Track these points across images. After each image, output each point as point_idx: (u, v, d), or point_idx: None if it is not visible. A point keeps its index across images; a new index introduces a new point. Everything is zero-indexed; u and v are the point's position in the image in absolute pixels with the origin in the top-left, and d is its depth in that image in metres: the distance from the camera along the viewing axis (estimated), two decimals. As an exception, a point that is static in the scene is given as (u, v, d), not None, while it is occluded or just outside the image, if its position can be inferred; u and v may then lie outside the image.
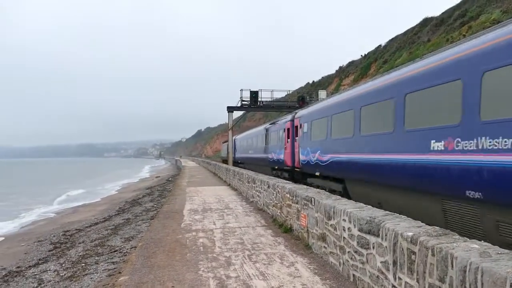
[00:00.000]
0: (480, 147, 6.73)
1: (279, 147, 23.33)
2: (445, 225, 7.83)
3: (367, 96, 11.67)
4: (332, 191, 13.00)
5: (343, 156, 13.28)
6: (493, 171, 6.47)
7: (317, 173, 16.24)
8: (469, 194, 7.00)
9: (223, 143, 72.58)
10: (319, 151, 15.86)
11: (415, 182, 8.83)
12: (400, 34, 57.85)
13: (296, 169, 19.98)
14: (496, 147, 6.37)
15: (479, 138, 6.77)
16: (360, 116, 11.99)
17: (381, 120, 10.68)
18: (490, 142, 6.52)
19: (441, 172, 7.78)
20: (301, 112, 20.05)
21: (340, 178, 13.90)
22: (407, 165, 9.11)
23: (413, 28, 53.72)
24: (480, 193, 6.79)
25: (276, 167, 24.28)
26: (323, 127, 15.51)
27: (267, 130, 27.99)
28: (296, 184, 11.87)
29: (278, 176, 20.83)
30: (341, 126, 13.66)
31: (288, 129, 21.37)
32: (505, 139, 6.21)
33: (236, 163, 40.26)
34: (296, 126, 20.05)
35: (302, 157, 18.47)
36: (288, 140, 21.25)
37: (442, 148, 7.77)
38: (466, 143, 7.09)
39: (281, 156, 22.67)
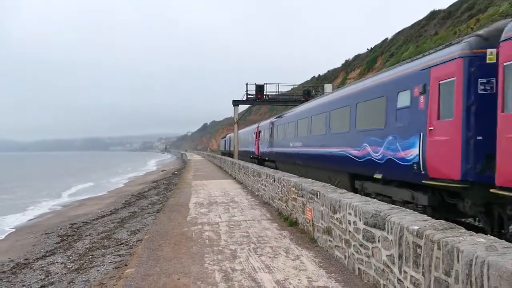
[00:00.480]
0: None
1: (252, 143, 36.56)
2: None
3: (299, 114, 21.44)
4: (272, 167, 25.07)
5: (276, 149, 26.26)
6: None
7: (266, 158, 29.82)
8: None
9: (222, 138, 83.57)
10: (266, 146, 29.80)
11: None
12: (407, 27, 57.43)
13: (258, 157, 33.35)
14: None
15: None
16: (286, 128, 23.61)
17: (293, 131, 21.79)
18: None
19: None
20: (261, 123, 34.33)
21: (273, 160, 27.60)
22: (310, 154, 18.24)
23: (420, 21, 53.29)
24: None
25: (251, 156, 36.50)
26: (270, 133, 28.82)
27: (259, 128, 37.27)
28: (301, 178, 11.88)
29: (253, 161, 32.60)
30: (280, 132, 25.42)
31: (255, 133, 34.79)
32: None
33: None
34: (260, 132, 33.36)
35: (261, 150, 32.23)
36: (256, 139, 34.38)
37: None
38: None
39: (252, 149, 36.20)
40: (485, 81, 7.77)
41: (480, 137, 7.72)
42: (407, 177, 9.82)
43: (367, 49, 69.06)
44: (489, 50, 7.75)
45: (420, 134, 9.17)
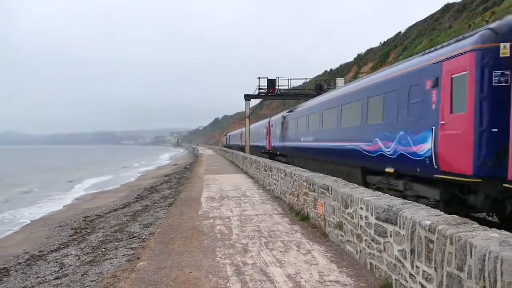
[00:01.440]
0: None
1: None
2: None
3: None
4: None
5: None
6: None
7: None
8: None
9: (224, 135, 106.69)
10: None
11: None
12: (421, 21, 56.81)
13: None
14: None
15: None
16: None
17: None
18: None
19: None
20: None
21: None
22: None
23: (434, 14, 52.66)
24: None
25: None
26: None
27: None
28: (313, 172, 11.87)
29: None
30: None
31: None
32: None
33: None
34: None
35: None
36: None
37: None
38: None
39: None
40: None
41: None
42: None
43: (380, 42, 68.50)
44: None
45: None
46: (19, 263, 10.73)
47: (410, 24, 60.30)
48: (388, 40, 65.59)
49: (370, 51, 70.38)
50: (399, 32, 63.21)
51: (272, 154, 32.78)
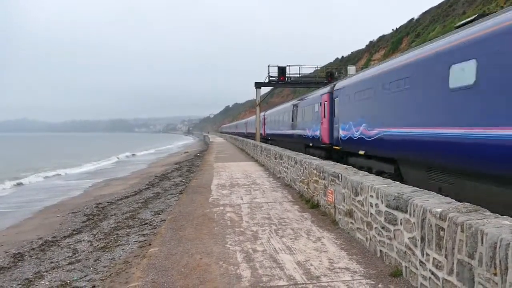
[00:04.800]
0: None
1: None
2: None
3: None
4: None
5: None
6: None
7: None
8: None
9: (222, 126, 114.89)
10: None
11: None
12: (434, 7, 55.92)
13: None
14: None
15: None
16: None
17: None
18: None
19: None
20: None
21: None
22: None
23: (447, 0, 51.74)
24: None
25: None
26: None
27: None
28: (323, 160, 11.82)
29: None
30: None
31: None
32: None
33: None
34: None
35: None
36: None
37: None
38: None
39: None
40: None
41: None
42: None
43: (392, 29, 67.64)
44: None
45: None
46: (33, 249, 10.92)
47: (424, 10, 59.43)
48: (400, 26, 64.75)
49: (382, 38, 69.58)
50: (412, 19, 62.33)
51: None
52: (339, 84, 18.07)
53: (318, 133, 20.61)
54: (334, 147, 18.18)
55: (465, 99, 8.29)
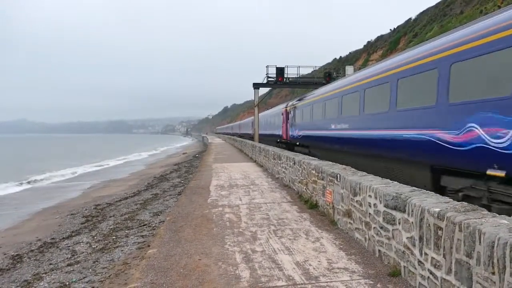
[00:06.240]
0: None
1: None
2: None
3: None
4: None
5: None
6: None
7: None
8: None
9: (217, 127, 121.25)
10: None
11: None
12: (432, 7, 56.04)
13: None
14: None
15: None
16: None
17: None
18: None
19: None
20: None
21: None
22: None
23: (445, 0, 51.86)
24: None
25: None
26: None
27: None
28: (322, 160, 11.86)
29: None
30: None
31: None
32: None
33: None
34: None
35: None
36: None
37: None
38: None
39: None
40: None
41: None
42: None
43: (390, 29, 67.75)
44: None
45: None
46: (32, 250, 10.91)
47: (421, 10, 59.54)
48: (398, 26, 64.88)
49: (380, 38, 69.69)
50: (410, 19, 62.45)
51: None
52: (290, 103, 28.97)
53: (281, 132, 31.64)
54: (288, 141, 29.67)
55: (319, 121, 19.72)
